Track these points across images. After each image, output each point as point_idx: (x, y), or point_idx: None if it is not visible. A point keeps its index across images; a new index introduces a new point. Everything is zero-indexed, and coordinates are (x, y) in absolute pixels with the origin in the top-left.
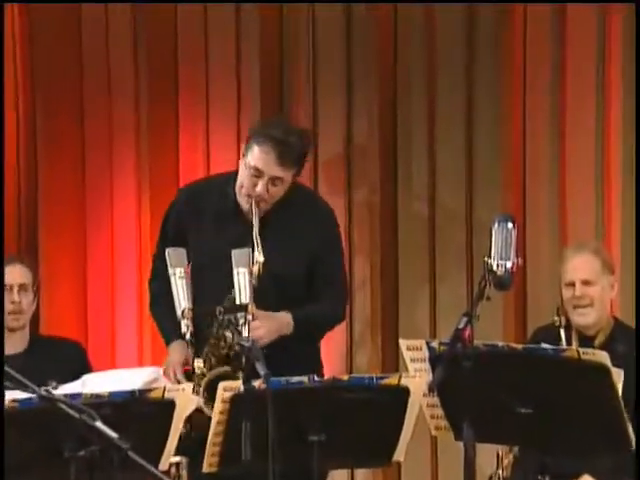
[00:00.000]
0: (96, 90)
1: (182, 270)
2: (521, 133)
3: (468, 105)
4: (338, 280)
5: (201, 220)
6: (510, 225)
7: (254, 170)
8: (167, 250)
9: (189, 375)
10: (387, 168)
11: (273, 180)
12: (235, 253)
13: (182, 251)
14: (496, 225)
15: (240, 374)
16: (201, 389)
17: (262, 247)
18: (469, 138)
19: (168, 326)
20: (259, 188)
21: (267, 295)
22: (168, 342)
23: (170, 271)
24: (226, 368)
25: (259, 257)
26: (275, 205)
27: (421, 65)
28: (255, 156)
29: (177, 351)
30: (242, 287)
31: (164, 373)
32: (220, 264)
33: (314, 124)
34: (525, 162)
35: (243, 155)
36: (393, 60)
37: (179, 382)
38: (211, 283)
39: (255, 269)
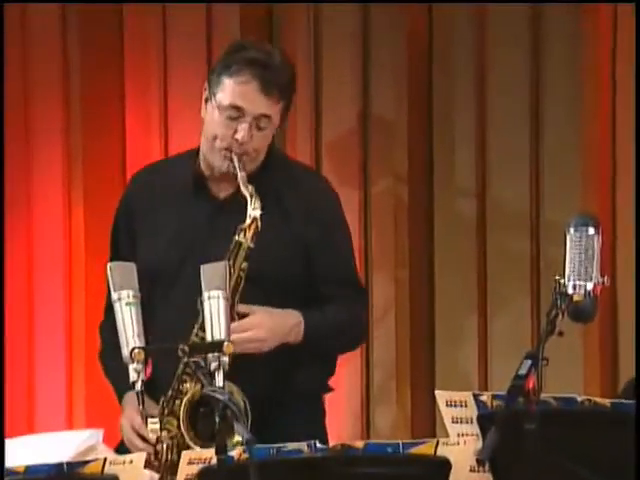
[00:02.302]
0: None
1: (131, 294)
2: (609, 111)
3: (535, 66)
4: (350, 278)
5: (157, 210)
6: (592, 231)
7: (231, 110)
8: (109, 266)
9: None
10: (419, 151)
11: (259, 120)
12: (206, 269)
13: (130, 267)
14: (572, 231)
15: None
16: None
17: (261, 216)
18: (535, 112)
19: (122, 375)
20: (241, 133)
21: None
22: (121, 395)
23: (114, 296)
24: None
25: (253, 210)
26: (253, 174)
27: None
28: (230, 90)
29: (134, 404)
30: (216, 317)
31: (125, 439)
32: (180, 271)
33: (316, 87)
34: (615, 147)
35: (207, 99)
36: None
37: (145, 440)
38: (167, 303)
39: (249, 232)
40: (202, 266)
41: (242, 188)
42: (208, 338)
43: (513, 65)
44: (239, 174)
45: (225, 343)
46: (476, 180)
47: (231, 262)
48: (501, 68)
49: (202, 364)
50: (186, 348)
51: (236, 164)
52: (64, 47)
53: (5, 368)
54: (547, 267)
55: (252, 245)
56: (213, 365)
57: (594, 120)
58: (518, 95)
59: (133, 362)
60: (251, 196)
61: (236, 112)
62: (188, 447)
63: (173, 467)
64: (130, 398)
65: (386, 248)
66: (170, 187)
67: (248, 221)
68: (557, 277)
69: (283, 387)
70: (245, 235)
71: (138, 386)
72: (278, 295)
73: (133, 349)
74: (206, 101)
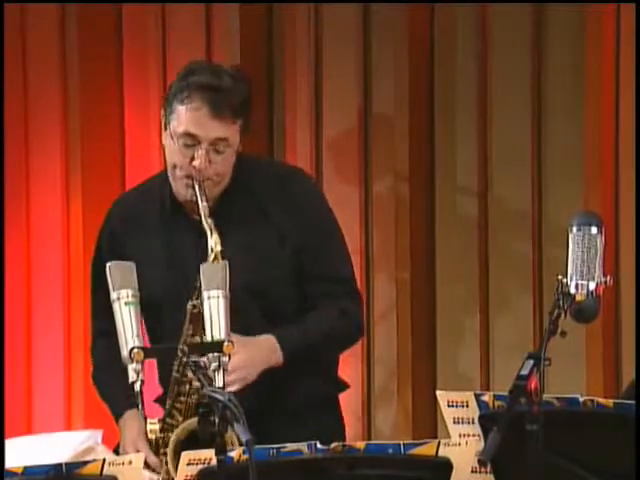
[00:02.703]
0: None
1: (130, 293)
2: (612, 110)
3: (537, 64)
4: (342, 275)
5: (143, 241)
6: (595, 230)
7: (185, 137)
8: (108, 265)
9: None
10: (420, 150)
11: (215, 144)
12: (205, 269)
13: (129, 266)
14: (575, 230)
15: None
16: (168, 455)
17: (222, 251)
18: (537, 110)
19: (117, 395)
20: (198, 161)
21: (246, 316)
22: (118, 416)
23: (113, 295)
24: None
25: (215, 245)
26: (228, 190)
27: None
28: (182, 118)
29: (132, 424)
30: (215, 317)
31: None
32: (180, 297)
33: (317, 85)
34: (617, 145)
35: (165, 127)
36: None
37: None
38: (167, 323)
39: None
40: (201, 266)
41: (203, 221)
42: (208, 338)
43: (515, 63)
44: (201, 205)
45: (225, 343)
46: (478, 179)
47: (199, 301)
48: (503, 66)
49: (202, 364)
50: (186, 348)
51: (197, 193)
52: (63, 47)
53: (4, 369)
54: (549, 266)
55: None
56: (213, 365)
57: (596, 119)
58: (520, 93)
59: (132, 362)
60: (211, 231)
61: (191, 139)
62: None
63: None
64: (126, 421)
65: (387, 247)
66: (150, 216)
67: (211, 257)
68: (559, 277)
69: (284, 397)
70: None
71: (137, 386)
72: (272, 309)
73: (132, 349)
74: (165, 127)
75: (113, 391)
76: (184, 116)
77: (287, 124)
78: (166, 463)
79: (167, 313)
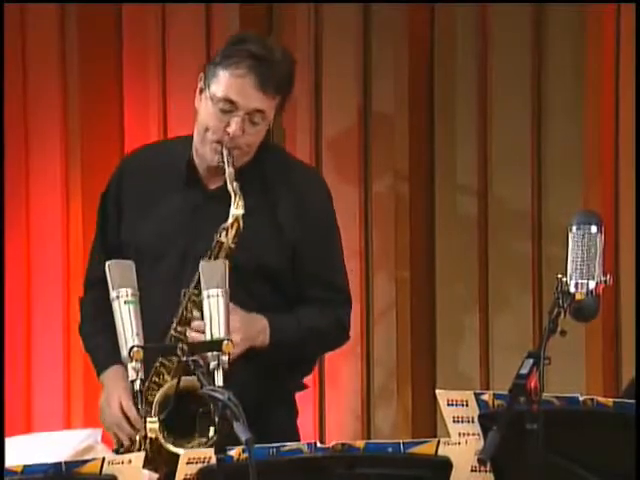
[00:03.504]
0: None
1: (130, 292)
2: (612, 110)
3: (537, 63)
4: (335, 284)
5: (144, 195)
6: (594, 229)
7: (224, 103)
8: (107, 264)
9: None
10: (420, 149)
11: (252, 115)
12: (205, 268)
13: (129, 265)
14: (574, 229)
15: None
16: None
17: (243, 215)
18: (537, 109)
19: (103, 347)
20: (233, 127)
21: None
22: (101, 370)
23: (112, 294)
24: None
25: (236, 209)
26: (240, 170)
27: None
28: (225, 83)
29: (117, 381)
30: (215, 316)
31: (107, 419)
32: (163, 259)
33: (316, 82)
34: (617, 145)
35: (201, 90)
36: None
37: (129, 419)
38: (149, 292)
39: (231, 232)
40: (201, 264)
41: (228, 185)
42: (207, 337)
43: (515, 63)
44: (227, 170)
45: (225, 342)
46: (478, 178)
47: (189, 290)
48: (503, 66)
49: (201, 363)
50: (185, 347)
51: (225, 159)
52: (63, 47)
53: (4, 369)
54: (549, 265)
55: (233, 245)
56: (212, 364)
57: (596, 119)
58: (520, 93)
59: (132, 361)
60: (235, 194)
61: (229, 105)
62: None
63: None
64: (113, 374)
65: (387, 246)
66: (162, 173)
67: (230, 220)
68: (559, 275)
69: (259, 389)
70: (227, 235)
71: (137, 385)
72: (261, 287)
73: (132, 348)
74: (200, 91)
75: (98, 344)
76: (227, 81)
77: (287, 123)
78: (145, 421)
79: (140, 272)
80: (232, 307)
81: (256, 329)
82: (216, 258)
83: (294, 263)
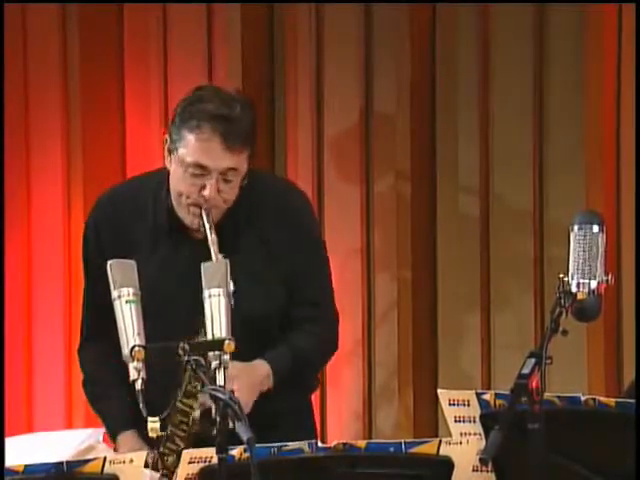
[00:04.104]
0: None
1: (131, 291)
2: (613, 109)
3: (538, 63)
4: (325, 301)
5: (128, 247)
6: (596, 229)
7: (195, 168)
8: (109, 263)
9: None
10: (421, 149)
11: (225, 174)
12: (206, 268)
13: (131, 264)
14: (576, 229)
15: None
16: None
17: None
18: (538, 109)
19: (111, 414)
20: (207, 191)
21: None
22: (113, 436)
23: (114, 294)
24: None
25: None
26: (230, 217)
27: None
28: (192, 148)
29: (127, 448)
30: (217, 316)
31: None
32: (167, 309)
33: (318, 84)
34: (619, 144)
35: (169, 150)
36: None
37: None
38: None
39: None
40: (202, 264)
41: (212, 252)
42: (209, 336)
43: (516, 63)
44: (210, 238)
45: (226, 341)
46: (479, 178)
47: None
48: (504, 65)
49: (203, 362)
50: (187, 346)
51: (206, 223)
52: (64, 47)
53: (4, 369)
54: (551, 265)
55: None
56: (214, 364)
57: (598, 119)
58: (521, 93)
59: (133, 360)
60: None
61: (200, 170)
62: None
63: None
64: (123, 443)
65: (389, 246)
66: (142, 221)
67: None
68: (561, 275)
69: (266, 407)
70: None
71: (138, 385)
72: (266, 333)
73: (133, 347)
74: (169, 152)
75: (106, 409)
76: (194, 146)
77: (288, 123)
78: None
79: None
80: (236, 363)
81: (260, 377)
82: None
83: (290, 294)
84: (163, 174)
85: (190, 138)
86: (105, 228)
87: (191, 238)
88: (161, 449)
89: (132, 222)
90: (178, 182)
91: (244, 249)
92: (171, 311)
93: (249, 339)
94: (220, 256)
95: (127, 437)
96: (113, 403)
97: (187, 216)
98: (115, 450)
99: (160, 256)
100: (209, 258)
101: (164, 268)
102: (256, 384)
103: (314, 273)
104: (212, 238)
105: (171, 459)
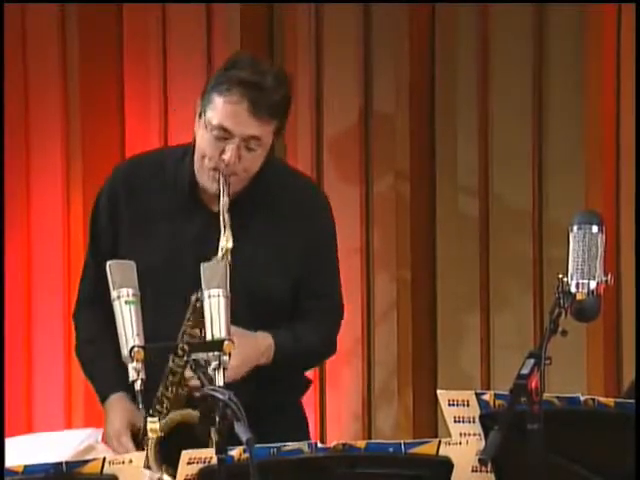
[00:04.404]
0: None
1: (130, 292)
2: (613, 109)
3: (538, 63)
4: (332, 293)
5: (144, 213)
6: (596, 229)
7: (219, 130)
8: (108, 264)
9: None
10: (421, 149)
11: (247, 141)
12: (206, 268)
13: (130, 265)
14: (575, 229)
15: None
16: (151, 448)
17: (232, 249)
18: (538, 109)
19: (104, 374)
20: (228, 154)
21: (237, 321)
22: (104, 398)
23: (113, 294)
24: (189, 411)
25: (226, 242)
26: (242, 192)
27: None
28: (219, 110)
29: (118, 410)
30: (216, 316)
31: (106, 444)
32: (175, 280)
33: (317, 84)
34: (619, 145)
35: (199, 114)
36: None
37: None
38: (161, 311)
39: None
40: (202, 265)
41: (220, 216)
42: (208, 337)
43: (516, 63)
44: (222, 199)
45: (225, 342)
46: (479, 178)
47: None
48: (504, 66)
49: (202, 362)
50: (186, 347)
51: (222, 188)
52: (63, 47)
53: (4, 369)
54: (550, 265)
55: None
56: (213, 364)
57: (597, 119)
58: (521, 93)
59: (133, 361)
60: (224, 227)
61: (224, 132)
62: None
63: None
64: (112, 406)
65: (388, 246)
66: (162, 189)
67: (220, 253)
68: (560, 275)
69: (261, 400)
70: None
71: (138, 385)
72: (269, 313)
73: (132, 348)
74: (199, 116)
75: (99, 369)
76: (221, 108)
77: (288, 123)
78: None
79: (148, 293)
80: (235, 329)
81: (259, 350)
82: None
83: (298, 281)
84: (189, 147)
85: (219, 101)
86: (119, 192)
87: (208, 210)
88: (150, 412)
89: (150, 189)
90: (202, 144)
91: (254, 225)
92: (171, 279)
93: (245, 311)
94: (227, 216)
95: (117, 399)
96: (106, 364)
97: (207, 180)
98: (105, 414)
99: (174, 224)
100: (218, 230)
101: (176, 236)
102: (255, 354)
103: (328, 268)
104: (224, 200)
105: (160, 423)
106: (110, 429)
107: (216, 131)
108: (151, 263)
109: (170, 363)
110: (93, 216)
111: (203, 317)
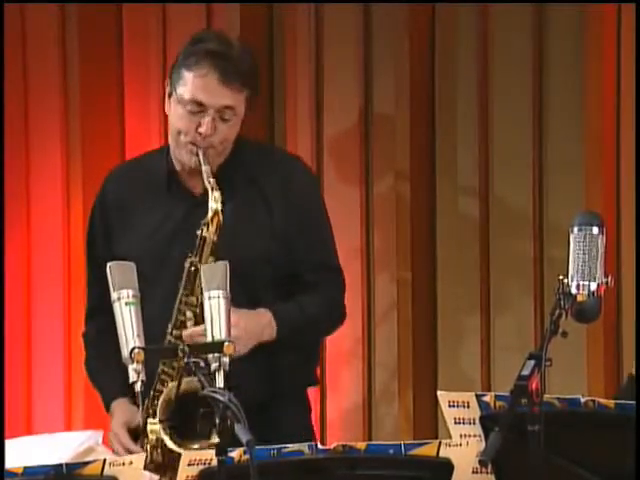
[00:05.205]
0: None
1: (131, 293)
2: (613, 109)
3: (538, 63)
4: (329, 262)
5: (130, 211)
6: (596, 230)
7: (192, 104)
8: (109, 265)
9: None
10: (421, 149)
11: (222, 112)
12: (206, 270)
13: (130, 266)
14: (576, 230)
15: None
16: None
17: (222, 211)
18: (538, 109)
19: (109, 384)
20: (204, 127)
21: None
22: (108, 404)
23: (113, 295)
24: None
25: (215, 203)
26: (227, 164)
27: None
28: (190, 84)
29: (117, 412)
30: (216, 318)
31: (110, 445)
32: (159, 269)
33: (317, 84)
34: (619, 145)
35: (169, 94)
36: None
37: (129, 452)
38: (148, 301)
39: (212, 226)
40: (202, 266)
41: (205, 181)
42: (208, 338)
43: (516, 63)
44: (203, 167)
45: (225, 343)
46: (479, 179)
47: (197, 258)
48: (504, 66)
49: (202, 364)
50: (186, 348)
51: (201, 158)
52: (63, 47)
53: (4, 369)
54: (550, 267)
55: (216, 239)
56: (213, 366)
57: (597, 119)
58: (521, 93)
59: (133, 362)
60: (212, 189)
61: (197, 106)
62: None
63: (162, 467)
64: (115, 409)
65: (388, 247)
66: (144, 185)
67: (210, 214)
68: (560, 277)
69: (269, 385)
70: (208, 229)
71: (138, 386)
72: (259, 287)
73: (133, 349)
74: (169, 96)
75: (104, 377)
76: (192, 82)
77: (287, 123)
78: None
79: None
80: (232, 308)
81: (261, 325)
82: (201, 254)
83: (289, 251)
84: (164, 147)
85: (188, 76)
86: (110, 196)
87: (190, 195)
88: (151, 392)
89: (135, 188)
90: (177, 120)
91: (238, 195)
92: (158, 266)
93: (247, 292)
94: (212, 180)
95: (118, 403)
96: (111, 375)
97: (185, 155)
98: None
99: (159, 214)
100: (203, 211)
101: (160, 224)
102: (252, 332)
103: (319, 238)
104: (205, 168)
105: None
106: (110, 431)
107: (189, 105)
108: (137, 252)
109: (168, 336)
110: (90, 223)
111: (199, 283)
